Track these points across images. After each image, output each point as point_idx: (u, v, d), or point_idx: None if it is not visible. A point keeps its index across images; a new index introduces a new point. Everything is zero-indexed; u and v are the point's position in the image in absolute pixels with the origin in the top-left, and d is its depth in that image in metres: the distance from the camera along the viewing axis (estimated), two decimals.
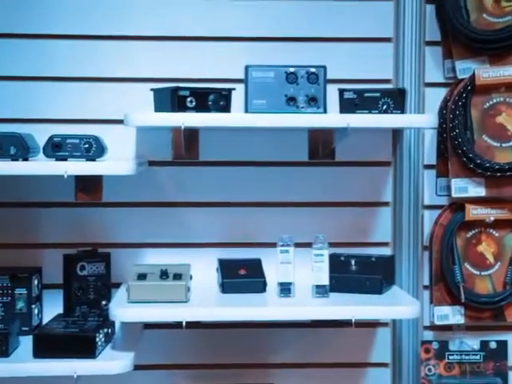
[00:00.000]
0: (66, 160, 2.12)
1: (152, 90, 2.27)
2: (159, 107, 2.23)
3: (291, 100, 2.22)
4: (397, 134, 2.52)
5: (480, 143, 2.44)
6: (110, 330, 2.20)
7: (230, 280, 2.30)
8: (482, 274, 2.51)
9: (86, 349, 2.06)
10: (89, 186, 2.18)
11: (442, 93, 2.51)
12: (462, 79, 2.45)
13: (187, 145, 2.22)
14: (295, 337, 2.53)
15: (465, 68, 2.45)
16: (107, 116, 2.43)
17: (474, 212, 2.46)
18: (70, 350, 2.05)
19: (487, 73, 2.40)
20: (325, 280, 2.23)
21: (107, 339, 2.17)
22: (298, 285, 2.26)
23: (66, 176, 2.06)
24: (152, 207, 2.49)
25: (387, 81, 2.52)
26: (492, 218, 2.46)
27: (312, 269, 2.24)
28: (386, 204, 2.55)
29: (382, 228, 2.55)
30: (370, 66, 2.50)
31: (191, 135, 2.24)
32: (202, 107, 2.16)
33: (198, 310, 2.14)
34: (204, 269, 2.41)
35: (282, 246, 2.24)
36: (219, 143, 2.46)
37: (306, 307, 2.18)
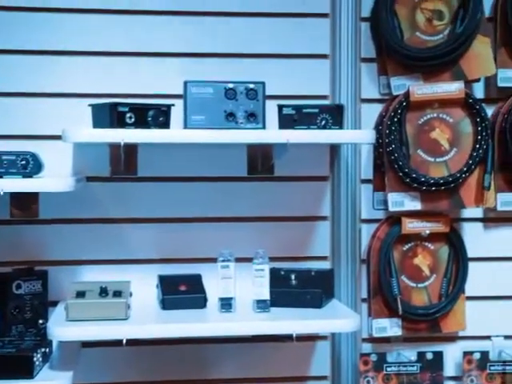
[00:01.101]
0: (1, 177, 2.07)
1: (90, 105, 2.25)
2: (98, 123, 2.21)
3: (230, 116, 2.23)
4: (334, 149, 2.55)
5: (415, 158, 2.49)
6: (47, 350, 2.16)
7: (170, 296, 2.29)
8: (419, 286, 2.56)
9: (23, 369, 2.01)
10: (24, 203, 2.14)
11: (377, 108, 2.56)
12: (397, 95, 2.50)
13: (126, 160, 2.21)
14: (237, 352, 2.53)
15: (399, 84, 2.51)
16: (44, 132, 2.40)
17: (410, 225, 2.51)
18: (6, 370, 2.00)
19: (421, 89, 2.45)
20: (265, 295, 2.25)
21: (45, 359, 2.13)
22: (238, 300, 2.27)
23: (1, 193, 2.02)
24: (90, 223, 2.46)
25: (324, 97, 2.55)
26: (427, 232, 2.52)
27: (253, 284, 2.25)
28: (324, 218, 2.58)
29: (321, 242, 2.58)
30: (307, 82, 2.53)
31: (130, 151, 2.23)
32: (141, 123, 2.15)
33: (138, 328, 2.12)
34: (144, 285, 2.39)
35: (223, 261, 2.25)
36: (158, 158, 2.45)
37: (246, 322, 2.19)
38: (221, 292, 2.25)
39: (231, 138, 2.18)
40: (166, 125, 2.20)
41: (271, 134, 2.21)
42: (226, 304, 2.24)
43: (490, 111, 2.56)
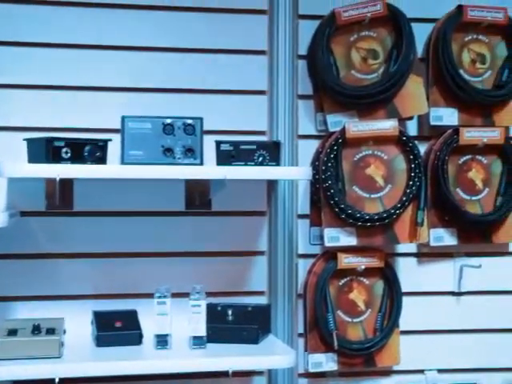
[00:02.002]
0: None
1: (25, 139, 2.22)
2: (33, 158, 2.17)
3: (168, 151, 2.23)
4: (271, 184, 2.57)
5: (351, 194, 2.53)
6: None
7: (104, 333, 2.26)
8: (354, 321, 2.58)
9: None
10: None
11: (314, 145, 2.59)
12: (334, 132, 2.54)
13: (61, 195, 2.19)
14: None
15: (335, 121, 2.55)
16: None
17: (345, 261, 2.53)
18: None
19: (356, 127, 2.50)
20: (202, 331, 2.24)
21: None
22: (175, 336, 2.26)
23: None
24: (24, 259, 2.41)
25: (262, 132, 2.57)
26: (363, 267, 2.54)
27: (189, 320, 2.24)
28: (261, 253, 2.59)
29: (258, 277, 2.58)
30: (245, 118, 2.55)
31: (66, 185, 2.22)
32: (77, 158, 2.13)
33: (72, 366, 2.09)
34: (79, 322, 2.35)
35: (159, 297, 2.23)
36: (95, 193, 2.42)
37: (182, 359, 2.18)
38: (157, 328, 2.23)
39: (169, 173, 2.18)
40: (102, 160, 2.18)
41: (209, 170, 2.22)
42: (162, 341, 2.22)
43: (423, 148, 2.62)
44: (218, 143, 2.27)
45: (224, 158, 2.26)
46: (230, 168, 2.21)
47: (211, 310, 2.34)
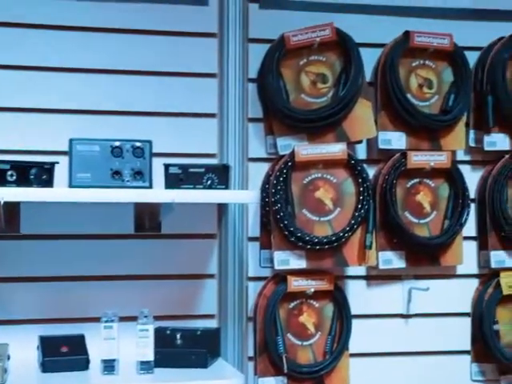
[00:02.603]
0: None
1: None
2: None
3: (116, 174, 2.22)
4: (222, 207, 2.57)
5: (300, 217, 2.54)
6: None
7: (50, 358, 2.23)
8: (304, 344, 2.58)
9: None
10: None
11: (265, 168, 2.60)
12: (283, 155, 2.55)
13: (7, 218, 2.15)
14: None
15: (285, 144, 2.56)
16: None
17: (295, 284, 2.53)
18: None
19: (306, 150, 2.51)
20: (149, 356, 2.22)
21: None
22: (122, 361, 2.23)
23: None
24: None
25: (212, 155, 2.57)
26: (312, 290, 2.55)
27: (137, 344, 2.21)
28: (211, 276, 2.58)
29: (208, 300, 2.57)
30: (195, 141, 2.55)
31: (12, 208, 2.18)
32: (23, 181, 2.11)
33: None
34: (24, 347, 2.31)
35: (106, 321, 2.21)
36: (42, 216, 2.39)
37: None
38: (104, 353, 2.20)
39: (117, 196, 2.17)
40: (49, 183, 2.16)
41: (157, 193, 2.21)
42: (109, 366, 2.20)
43: (372, 172, 2.65)
44: (167, 166, 2.27)
45: (172, 181, 2.26)
46: (179, 191, 2.21)
47: (160, 334, 2.33)
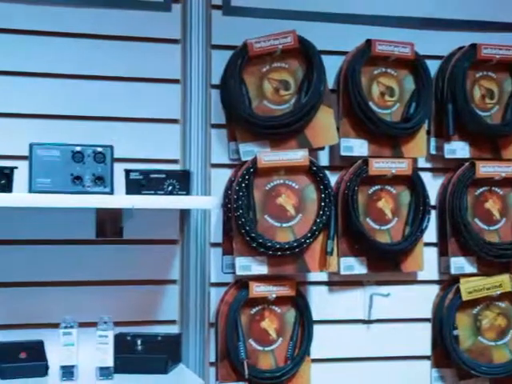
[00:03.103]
0: None
1: None
2: None
3: (77, 179, 2.22)
4: (184, 212, 2.57)
5: (262, 223, 2.55)
6: None
7: (8, 365, 2.21)
8: (266, 349, 2.59)
9: None
10: None
11: (227, 174, 2.60)
12: (246, 161, 2.56)
13: None
14: None
15: (248, 151, 2.57)
16: None
17: (257, 289, 2.54)
18: None
19: (268, 156, 2.52)
20: (109, 362, 2.21)
21: None
22: (82, 367, 2.23)
23: None
24: None
25: (175, 161, 2.57)
26: (274, 295, 2.56)
27: (96, 350, 2.20)
28: (173, 282, 2.57)
29: (170, 306, 2.56)
30: (158, 147, 2.55)
31: None
32: None
33: None
34: None
35: (65, 327, 2.20)
36: (1, 221, 2.37)
37: None
38: (63, 359, 2.19)
39: (77, 202, 2.16)
40: (7, 188, 2.15)
41: (116, 199, 2.21)
42: (68, 372, 2.19)
43: (334, 178, 2.67)
44: (128, 172, 2.27)
45: (133, 187, 2.26)
46: (139, 197, 2.21)
47: (120, 339, 2.32)
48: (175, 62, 2.57)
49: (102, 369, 2.21)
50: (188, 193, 2.29)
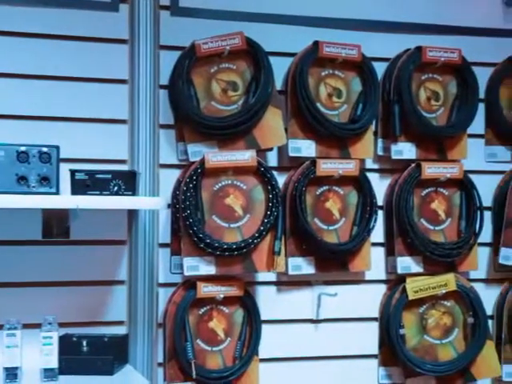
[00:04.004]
0: None
1: None
2: None
3: (22, 179, 2.20)
4: (132, 213, 2.56)
5: (210, 223, 2.55)
6: None
7: None
8: (214, 349, 2.59)
9: None
10: None
11: (176, 174, 2.61)
12: (194, 162, 2.56)
13: None
14: None
15: (196, 151, 2.57)
16: None
17: (205, 289, 2.55)
18: None
19: (215, 157, 2.53)
20: (53, 363, 2.20)
21: None
22: (26, 369, 2.21)
23: None
24: None
25: (123, 161, 2.56)
26: (222, 295, 2.57)
27: (40, 352, 2.19)
28: (121, 282, 2.57)
29: (117, 307, 2.55)
30: (105, 147, 2.54)
31: None
32: None
33: None
34: None
35: (9, 328, 2.18)
36: None
37: None
38: (6, 361, 2.17)
39: (21, 202, 2.14)
40: None
41: (62, 199, 2.20)
42: (11, 374, 2.17)
43: (283, 179, 2.69)
44: (73, 172, 2.26)
45: (79, 187, 2.25)
46: (84, 197, 2.20)
47: (66, 340, 2.32)
48: (123, 62, 2.56)
49: (46, 370, 2.19)
50: (134, 193, 2.28)
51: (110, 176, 2.26)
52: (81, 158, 2.47)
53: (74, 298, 2.50)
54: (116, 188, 2.26)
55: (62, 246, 2.50)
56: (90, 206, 2.18)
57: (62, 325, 2.40)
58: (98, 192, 2.25)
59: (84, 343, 2.34)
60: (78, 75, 2.51)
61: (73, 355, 2.30)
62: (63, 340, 2.29)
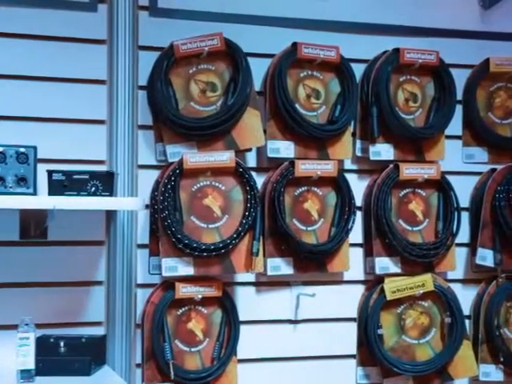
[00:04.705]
0: None
1: None
2: None
3: None
4: (110, 213, 2.56)
5: (189, 224, 2.55)
6: None
7: None
8: (192, 350, 2.60)
9: None
10: None
11: (154, 175, 2.60)
12: (173, 163, 2.56)
13: None
14: None
15: (175, 152, 2.57)
16: None
17: (183, 290, 2.55)
18: None
19: (194, 158, 2.53)
20: (30, 364, 2.19)
21: None
22: (2, 370, 2.21)
23: None
24: None
25: (101, 162, 2.56)
26: (200, 296, 2.57)
27: (17, 353, 2.18)
28: (99, 283, 2.56)
29: (96, 307, 2.55)
30: (84, 147, 2.54)
31: None
32: None
33: None
34: None
35: None
36: None
37: None
38: None
39: None
40: None
41: (38, 199, 2.19)
42: None
43: (262, 180, 2.69)
44: (50, 172, 2.25)
45: (56, 188, 2.24)
46: (61, 198, 2.19)
47: (43, 342, 2.31)
48: (101, 63, 2.56)
49: (22, 371, 2.18)
50: (111, 194, 2.28)
51: (87, 177, 2.26)
52: (59, 158, 2.47)
53: (51, 298, 2.50)
54: (93, 189, 2.26)
55: (39, 247, 2.49)
56: (67, 207, 2.18)
57: (39, 326, 2.40)
58: (75, 193, 2.25)
59: (61, 344, 2.34)
60: (57, 75, 2.51)
61: (50, 356, 2.29)
62: (40, 341, 2.28)
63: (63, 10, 2.52)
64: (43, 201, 2.18)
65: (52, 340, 2.35)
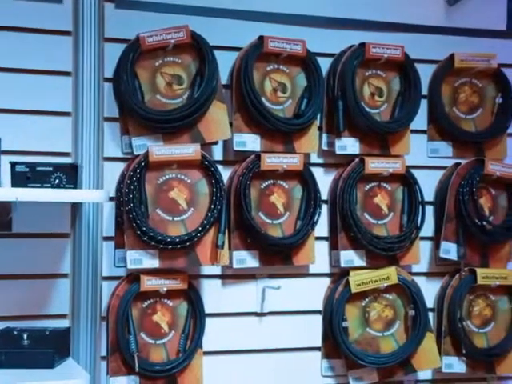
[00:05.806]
0: None
1: None
2: None
3: None
4: (75, 206, 2.55)
5: (154, 217, 2.55)
6: None
7: None
8: (157, 342, 2.60)
9: None
10: None
11: (120, 167, 2.60)
12: (139, 155, 2.55)
13: None
14: None
15: (141, 144, 2.57)
16: None
17: (148, 283, 2.55)
18: None
19: (160, 150, 2.53)
20: None
21: None
22: None
23: None
24: None
25: (67, 154, 2.55)
26: (165, 289, 2.57)
27: None
28: (64, 276, 2.55)
29: (60, 300, 2.54)
30: (49, 139, 2.52)
31: None
32: None
33: None
34: None
35: None
36: None
37: None
38: None
39: None
40: None
41: (1, 191, 2.18)
42: None
43: (228, 173, 2.70)
44: (13, 164, 2.24)
45: (19, 180, 2.23)
46: (24, 190, 2.18)
47: (6, 334, 2.30)
48: (67, 55, 2.54)
49: None
50: (76, 186, 2.27)
51: (51, 169, 2.25)
52: (23, 150, 2.46)
53: (16, 291, 2.49)
54: (57, 181, 2.25)
55: (3, 239, 2.47)
56: (31, 199, 2.17)
57: (3, 318, 2.40)
58: (38, 184, 2.24)
59: (25, 337, 2.32)
60: (21, 66, 2.49)
61: (13, 348, 2.28)
62: (4, 333, 2.28)
63: (28, 1, 2.50)
64: (6, 193, 2.16)
65: (15, 332, 2.33)
